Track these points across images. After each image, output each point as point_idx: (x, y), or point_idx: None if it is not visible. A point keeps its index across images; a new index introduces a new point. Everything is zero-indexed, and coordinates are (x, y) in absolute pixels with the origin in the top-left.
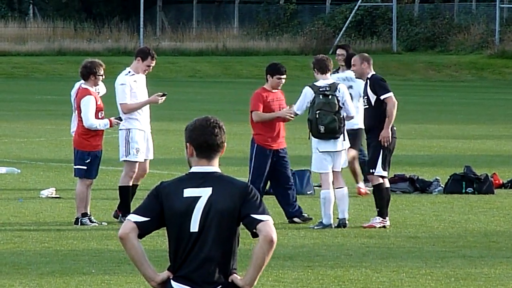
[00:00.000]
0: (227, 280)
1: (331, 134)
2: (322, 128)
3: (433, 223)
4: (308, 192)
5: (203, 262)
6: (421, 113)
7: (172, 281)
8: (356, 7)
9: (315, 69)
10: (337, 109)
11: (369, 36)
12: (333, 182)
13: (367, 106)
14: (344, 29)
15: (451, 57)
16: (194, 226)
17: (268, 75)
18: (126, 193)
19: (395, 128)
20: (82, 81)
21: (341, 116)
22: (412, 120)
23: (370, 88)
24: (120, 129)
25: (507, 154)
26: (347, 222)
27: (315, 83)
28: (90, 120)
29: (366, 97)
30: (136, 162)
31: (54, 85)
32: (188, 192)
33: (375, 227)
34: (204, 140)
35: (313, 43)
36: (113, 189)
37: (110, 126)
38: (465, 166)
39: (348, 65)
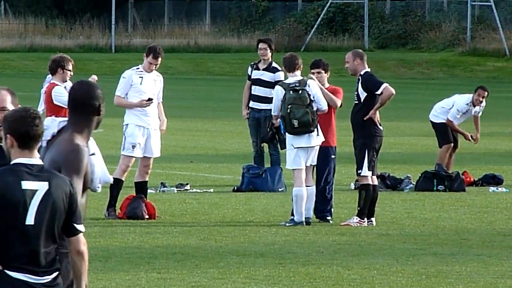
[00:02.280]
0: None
1: (305, 127)
2: (295, 122)
3: (404, 220)
4: (280, 189)
5: (36, 253)
6: (393, 110)
7: (7, 271)
8: (328, 4)
9: (285, 67)
10: (308, 102)
11: (341, 33)
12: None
13: (357, 102)
14: (316, 26)
15: (423, 54)
16: (30, 219)
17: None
18: (115, 185)
19: (381, 127)
20: (51, 76)
21: (313, 109)
22: (384, 118)
23: (362, 85)
24: (122, 125)
25: (478, 151)
26: (310, 220)
27: (284, 81)
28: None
29: (356, 93)
30: (131, 157)
31: (25, 82)
32: (27, 185)
33: (351, 226)
34: (26, 131)
35: (285, 40)
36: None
37: None
38: (436, 164)
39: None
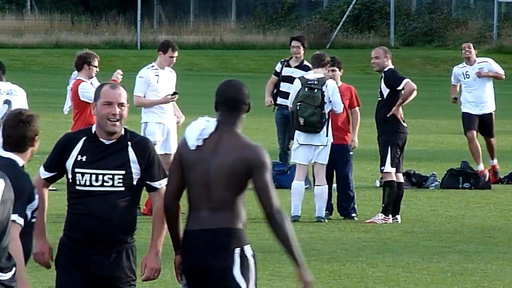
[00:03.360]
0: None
1: (310, 127)
2: (301, 120)
3: (429, 218)
4: (305, 186)
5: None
6: (418, 107)
7: None
8: (354, 1)
9: (311, 63)
10: (319, 103)
11: (366, 30)
12: (314, 177)
13: (380, 99)
14: (341, 23)
15: (449, 52)
16: None
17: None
18: None
19: (405, 124)
20: (77, 72)
21: (323, 111)
22: (409, 115)
23: (384, 82)
24: (141, 123)
25: (504, 149)
26: (324, 219)
27: (304, 75)
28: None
29: (379, 90)
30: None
31: (51, 78)
32: None
33: (376, 223)
34: None
35: (310, 37)
36: None
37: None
38: (462, 161)
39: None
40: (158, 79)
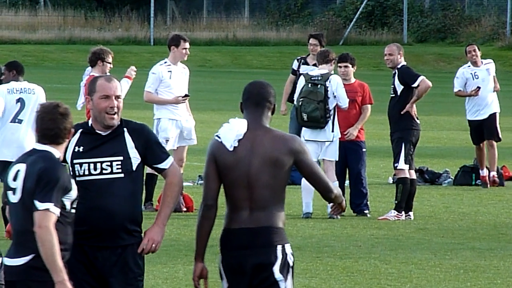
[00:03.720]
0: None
1: (314, 123)
2: (305, 116)
3: (442, 214)
4: None
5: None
6: (431, 104)
7: None
8: None
9: (317, 60)
10: (322, 98)
11: (379, 27)
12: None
13: (393, 95)
14: (354, 20)
15: (462, 48)
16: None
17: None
18: (149, 181)
19: (418, 121)
20: (90, 68)
21: (327, 106)
22: (422, 112)
23: (399, 78)
24: (153, 119)
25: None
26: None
27: (309, 72)
28: None
29: (392, 87)
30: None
31: (64, 74)
32: None
33: (389, 220)
34: None
35: (323, 33)
36: None
37: (131, 79)
38: (474, 158)
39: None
40: (171, 75)
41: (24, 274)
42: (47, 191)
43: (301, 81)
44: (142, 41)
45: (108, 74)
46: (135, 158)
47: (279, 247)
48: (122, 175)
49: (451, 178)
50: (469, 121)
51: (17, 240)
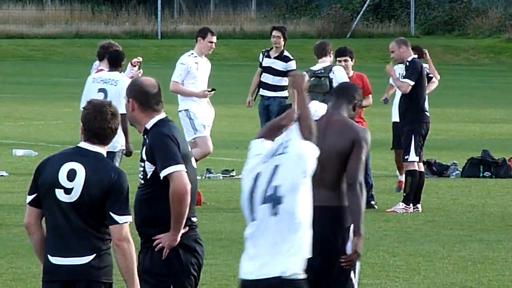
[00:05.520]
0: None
1: None
2: None
3: (450, 207)
4: None
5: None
6: (439, 96)
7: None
8: None
9: (315, 54)
10: (327, 90)
11: (387, 19)
12: None
13: None
14: (361, 12)
15: (469, 41)
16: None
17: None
18: None
19: (428, 113)
20: (98, 62)
21: None
22: (430, 104)
23: (406, 72)
24: (179, 111)
25: None
26: None
27: (311, 68)
28: None
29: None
30: (206, 136)
31: (71, 68)
32: None
33: (397, 212)
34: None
35: (330, 26)
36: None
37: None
38: (482, 150)
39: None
40: (197, 66)
41: (87, 274)
42: (122, 203)
43: None
44: (149, 34)
45: None
46: (148, 166)
47: (351, 227)
48: (142, 181)
49: (459, 170)
50: (393, 123)
51: (69, 239)
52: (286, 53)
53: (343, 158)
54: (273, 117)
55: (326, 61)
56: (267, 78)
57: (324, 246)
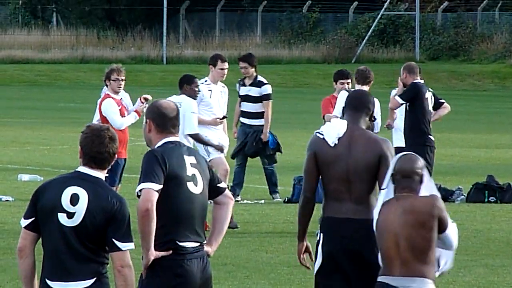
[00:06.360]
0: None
1: None
2: None
3: None
4: None
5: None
6: (444, 122)
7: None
8: (379, 16)
9: (356, 79)
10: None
11: (392, 45)
12: None
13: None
14: (367, 38)
15: (474, 66)
16: None
17: (334, 82)
18: None
19: (431, 137)
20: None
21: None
22: (435, 129)
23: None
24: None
25: None
26: None
27: (352, 89)
28: (118, 121)
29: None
30: (220, 157)
31: (77, 93)
32: None
33: None
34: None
35: (336, 51)
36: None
37: (139, 115)
38: (487, 175)
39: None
40: (211, 94)
41: None
42: (125, 230)
43: (345, 96)
44: (154, 60)
45: (122, 92)
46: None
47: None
48: None
49: (464, 195)
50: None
51: (69, 263)
52: (260, 78)
53: (371, 172)
54: (249, 145)
55: (366, 89)
56: (246, 106)
57: (356, 258)
